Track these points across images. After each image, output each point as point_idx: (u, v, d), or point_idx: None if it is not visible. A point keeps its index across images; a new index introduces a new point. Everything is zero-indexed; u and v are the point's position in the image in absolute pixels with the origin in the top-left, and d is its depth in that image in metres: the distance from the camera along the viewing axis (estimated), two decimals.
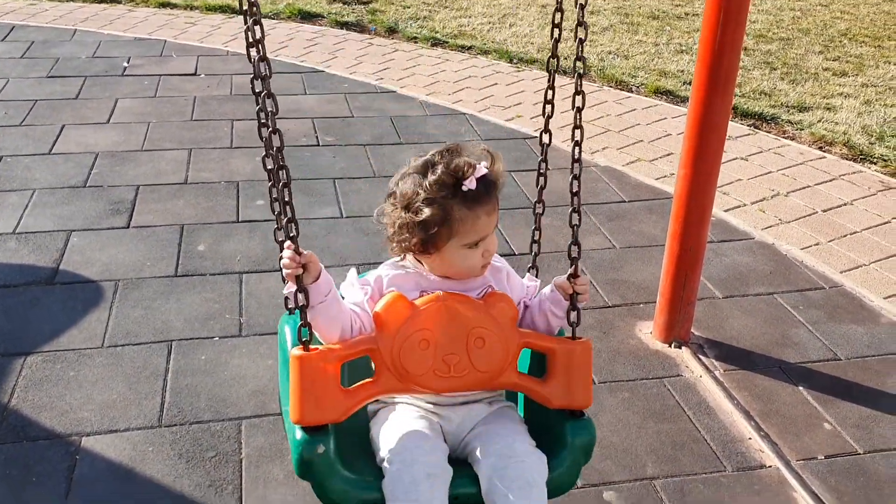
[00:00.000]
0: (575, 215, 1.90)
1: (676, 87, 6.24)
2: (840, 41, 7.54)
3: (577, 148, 1.96)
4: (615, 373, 3.23)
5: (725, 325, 3.54)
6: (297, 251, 1.69)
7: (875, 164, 5.13)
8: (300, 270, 1.69)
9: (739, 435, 2.96)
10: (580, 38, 1.96)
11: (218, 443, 2.83)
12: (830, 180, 4.87)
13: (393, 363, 1.72)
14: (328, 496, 1.74)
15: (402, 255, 1.95)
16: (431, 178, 1.82)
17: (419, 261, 1.91)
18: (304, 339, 1.69)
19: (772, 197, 4.67)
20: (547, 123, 2.09)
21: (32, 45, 6.79)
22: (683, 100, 6.05)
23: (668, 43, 7.28)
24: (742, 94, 6.09)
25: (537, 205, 2.14)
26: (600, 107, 5.89)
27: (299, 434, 1.69)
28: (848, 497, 2.70)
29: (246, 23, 1.74)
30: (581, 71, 1.98)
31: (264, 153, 1.84)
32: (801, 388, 3.20)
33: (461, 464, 1.80)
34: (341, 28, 7.57)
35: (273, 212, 1.91)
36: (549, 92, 2.11)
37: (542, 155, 2.13)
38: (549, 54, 2.10)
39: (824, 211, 4.52)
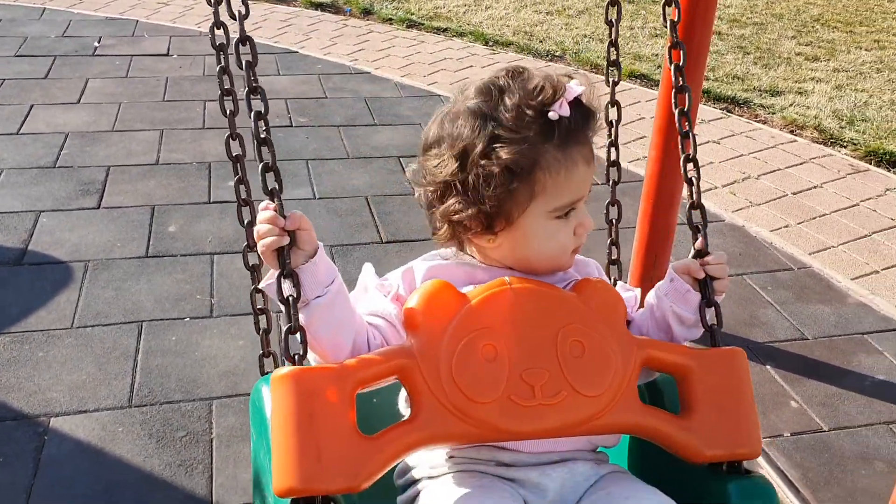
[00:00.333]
0: (692, 167, 1.40)
1: (650, 70, 6.26)
2: (813, 26, 7.59)
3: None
4: None
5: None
6: (279, 212, 1.14)
7: (845, 147, 5.18)
8: (285, 241, 1.13)
9: None
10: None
11: (188, 423, 2.82)
12: (801, 164, 4.92)
13: (442, 388, 1.08)
14: None
15: (452, 239, 1.32)
16: (507, 102, 1.23)
17: (470, 251, 1.31)
18: (293, 354, 1.12)
19: (743, 180, 4.71)
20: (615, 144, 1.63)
21: (0, 23, 6.68)
22: (657, 83, 6.07)
23: (643, 27, 7.30)
24: (715, 79, 6.13)
25: (610, 207, 1.58)
26: None
27: None
28: (813, 473, 2.74)
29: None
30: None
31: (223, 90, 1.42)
32: (768, 367, 3.25)
33: None
34: (316, 9, 7.51)
35: (235, 175, 1.43)
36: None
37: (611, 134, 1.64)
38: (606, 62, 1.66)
39: (794, 194, 4.57)
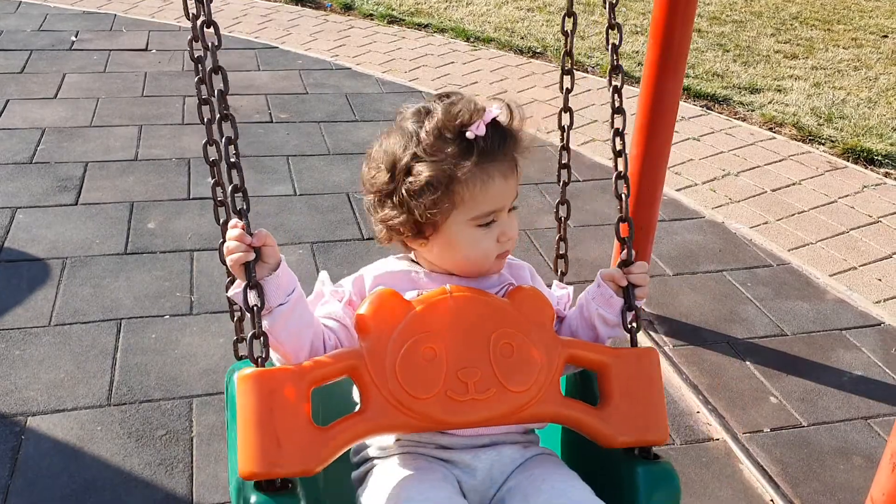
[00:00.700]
0: (562, 207, 1.60)
1: (631, 67, 6.27)
2: (791, 24, 7.65)
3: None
4: None
5: (675, 302, 3.59)
6: (247, 230, 1.25)
7: (823, 144, 5.23)
8: (251, 256, 1.24)
9: (688, 408, 3.02)
10: (614, 44, 1.53)
11: (168, 421, 2.80)
12: (780, 161, 4.95)
13: (387, 385, 1.21)
14: None
15: (390, 242, 1.48)
16: (427, 125, 1.38)
17: (412, 258, 1.48)
18: (257, 357, 1.20)
19: (722, 177, 4.74)
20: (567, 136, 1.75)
21: None
22: (638, 80, 6.07)
23: (623, 24, 7.31)
24: (695, 76, 6.16)
25: (560, 206, 1.74)
26: (556, 87, 5.89)
27: (254, 499, 1.17)
28: (792, 468, 2.77)
29: None
30: (619, 84, 1.56)
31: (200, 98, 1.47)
32: (748, 362, 3.27)
33: None
34: (296, 4, 7.47)
35: (212, 178, 1.52)
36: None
37: (562, 141, 1.79)
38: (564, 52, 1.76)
39: (773, 190, 4.60)
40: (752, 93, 5.96)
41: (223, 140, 1.37)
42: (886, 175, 4.86)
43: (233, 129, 1.37)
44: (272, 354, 1.27)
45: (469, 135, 1.36)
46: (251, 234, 1.26)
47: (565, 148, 1.64)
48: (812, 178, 4.76)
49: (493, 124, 1.40)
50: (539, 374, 1.27)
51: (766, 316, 3.54)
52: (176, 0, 7.36)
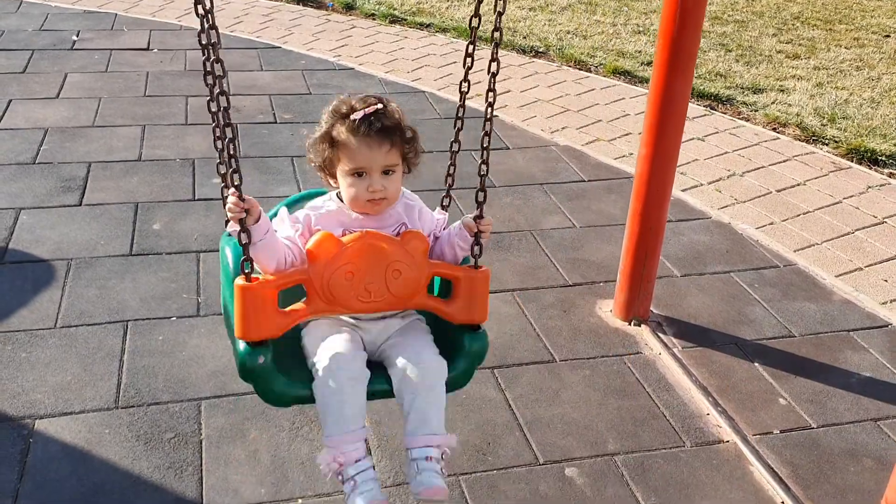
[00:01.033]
0: (483, 166, 2.07)
1: (634, 67, 6.27)
2: (793, 24, 7.65)
3: (489, 108, 2.14)
4: (576, 351, 3.25)
5: (683, 303, 3.59)
6: (240, 197, 1.82)
7: (827, 145, 5.22)
8: (243, 214, 1.81)
9: (698, 410, 3.01)
10: (499, 11, 2.13)
11: (177, 424, 2.78)
12: (784, 161, 4.95)
13: (322, 291, 1.92)
14: (268, 397, 2.00)
15: (325, 181, 2.13)
16: (334, 110, 2.04)
17: (339, 195, 2.09)
18: (246, 272, 1.86)
19: (728, 177, 4.73)
20: (466, 75, 2.25)
21: None
22: (641, 80, 6.09)
23: (625, 23, 7.31)
24: (698, 76, 6.15)
25: (454, 144, 2.23)
26: (559, 86, 5.89)
27: (242, 346, 1.89)
28: (802, 470, 2.76)
29: None
30: (498, 41, 2.14)
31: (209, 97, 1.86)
32: (756, 364, 3.26)
33: (377, 366, 2.05)
34: (298, 3, 7.45)
35: (217, 154, 1.93)
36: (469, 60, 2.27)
37: (460, 101, 2.25)
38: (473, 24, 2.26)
39: (778, 191, 4.59)
40: (755, 93, 5.95)
41: (225, 141, 1.84)
42: (891, 175, 4.86)
43: (234, 133, 1.85)
44: (256, 266, 1.90)
45: (353, 117, 1.97)
46: (243, 200, 1.82)
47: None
48: (816, 178, 4.76)
49: (375, 114, 1.98)
50: (414, 285, 1.99)
51: (773, 317, 3.54)
52: (176, 0, 7.35)
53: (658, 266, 3.42)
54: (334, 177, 2.03)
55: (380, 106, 2.00)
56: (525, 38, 6.84)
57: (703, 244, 4.05)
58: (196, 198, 4.14)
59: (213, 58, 1.78)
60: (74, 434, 2.71)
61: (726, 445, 2.86)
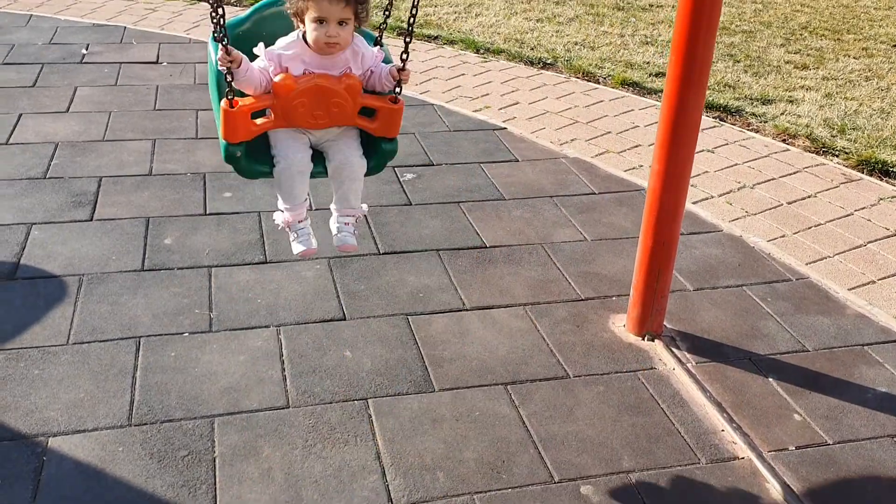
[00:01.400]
0: (407, 39, 2.59)
1: (643, 78, 6.27)
2: (801, 34, 7.64)
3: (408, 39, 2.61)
4: (590, 366, 3.24)
5: (697, 318, 3.57)
6: (227, 52, 2.40)
7: (837, 156, 5.21)
8: (230, 64, 2.43)
9: (712, 427, 2.99)
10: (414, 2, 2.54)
11: (190, 441, 2.78)
12: (794, 173, 4.94)
13: (283, 115, 2.59)
14: (243, 174, 2.73)
15: (296, 24, 2.62)
16: None
17: (304, 37, 2.59)
18: (230, 99, 2.48)
19: (738, 189, 4.72)
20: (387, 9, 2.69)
21: None
22: (650, 91, 6.08)
23: (633, 34, 7.32)
24: (707, 87, 6.13)
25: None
26: (568, 98, 5.89)
27: (223, 145, 2.60)
28: (819, 488, 2.74)
29: None
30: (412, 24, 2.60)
31: None
32: (770, 379, 3.25)
33: (318, 155, 2.78)
34: None
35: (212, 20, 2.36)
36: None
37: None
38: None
39: (789, 203, 4.58)
40: (764, 104, 5.94)
41: None
42: None
43: None
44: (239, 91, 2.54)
45: None
46: (229, 54, 2.41)
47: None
48: (827, 190, 4.75)
49: None
50: (349, 113, 2.62)
51: (786, 331, 3.52)
52: (185, 12, 7.37)
53: (671, 280, 3.41)
54: (303, 22, 2.56)
55: None
56: (533, 49, 6.85)
57: (716, 257, 4.04)
58: (207, 212, 4.14)
59: None
60: (88, 452, 2.70)
61: (741, 462, 2.84)
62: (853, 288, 3.85)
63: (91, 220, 4.02)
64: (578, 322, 3.50)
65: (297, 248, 2.92)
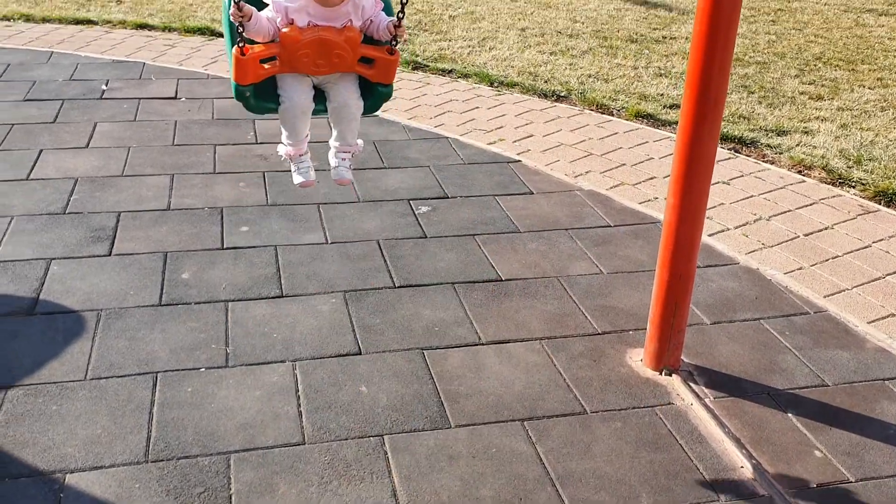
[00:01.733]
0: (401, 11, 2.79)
1: (657, 110, 6.29)
2: (815, 65, 7.65)
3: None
4: (607, 402, 3.22)
5: (714, 352, 3.55)
6: (239, 7, 2.63)
7: (854, 187, 5.19)
8: (241, 18, 2.66)
9: (731, 463, 2.96)
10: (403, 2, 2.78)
11: (206, 478, 2.77)
12: (811, 204, 4.92)
13: (287, 62, 2.82)
14: (251, 110, 2.96)
15: None
16: None
17: None
18: (241, 46, 2.73)
19: (754, 221, 4.71)
20: None
21: (8, 67, 6.71)
22: (664, 123, 6.10)
23: (647, 66, 7.35)
24: (722, 119, 6.14)
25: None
26: (582, 130, 5.92)
27: (234, 86, 2.84)
28: None
29: None
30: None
31: None
32: (790, 414, 3.21)
33: (320, 93, 3.03)
34: None
35: None
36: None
37: None
38: None
39: (806, 235, 4.56)
40: (779, 135, 5.94)
41: None
42: None
43: None
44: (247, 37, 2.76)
45: None
46: (241, 9, 2.64)
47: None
48: (844, 221, 4.72)
49: None
50: (349, 61, 2.85)
51: (805, 366, 3.49)
52: (203, 48, 7.48)
53: (688, 314, 3.39)
54: None
55: None
56: (546, 82, 6.89)
57: (733, 290, 4.02)
58: (224, 246, 4.17)
59: None
60: (105, 489, 2.71)
61: (762, 500, 2.80)
62: (873, 321, 3.81)
63: (110, 254, 4.05)
64: (595, 357, 3.49)
65: (297, 179, 3.27)
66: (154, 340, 3.44)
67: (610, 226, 4.59)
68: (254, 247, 4.18)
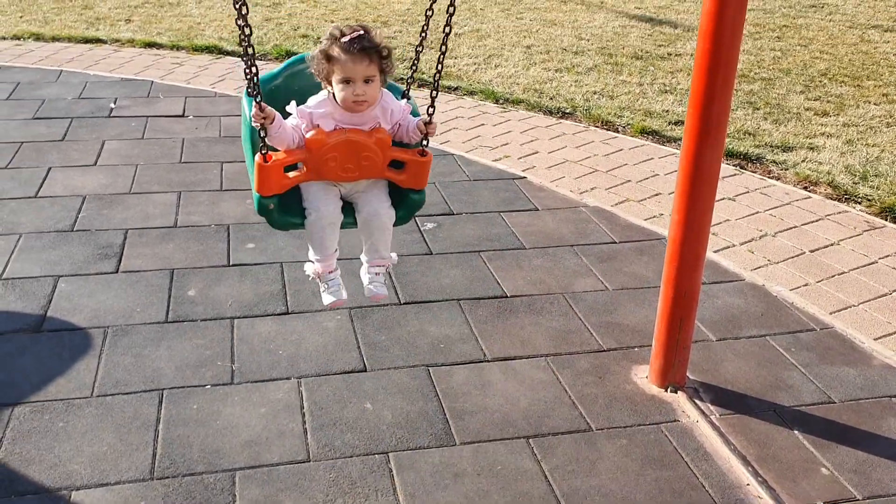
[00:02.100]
0: (433, 94, 2.67)
1: (662, 126, 6.30)
2: (820, 81, 7.67)
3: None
4: (613, 419, 3.21)
5: (720, 369, 3.54)
6: (260, 108, 2.50)
7: (860, 203, 5.19)
8: (263, 121, 2.53)
9: (737, 481, 2.95)
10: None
11: (212, 495, 2.78)
12: (817, 220, 4.92)
13: (314, 168, 2.68)
14: (275, 226, 2.82)
15: (324, 86, 2.74)
16: (331, 34, 2.65)
17: (334, 96, 2.70)
18: (263, 154, 2.60)
19: (760, 237, 4.70)
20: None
21: (18, 86, 6.78)
22: (669, 140, 6.11)
23: (651, 83, 7.38)
24: (727, 135, 6.15)
25: (419, 46, 2.77)
26: (587, 147, 5.93)
27: (257, 197, 2.70)
28: None
29: None
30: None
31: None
32: (796, 431, 3.20)
33: (348, 206, 2.86)
34: None
35: (245, 76, 2.46)
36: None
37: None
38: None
39: (812, 251, 4.56)
40: (784, 151, 5.95)
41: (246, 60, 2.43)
42: None
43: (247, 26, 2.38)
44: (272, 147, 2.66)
45: (343, 40, 2.59)
46: (263, 111, 2.50)
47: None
48: (850, 237, 4.72)
49: (359, 38, 2.59)
50: (378, 166, 2.72)
51: (812, 383, 3.48)
52: (210, 66, 7.54)
53: (693, 331, 3.38)
54: (330, 83, 2.66)
55: (363, 32, 2.63)
56: (552, 99, 6.92)
57: (738, 307, 4.01)
58: (230, 263, 4.19)
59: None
60: None
61: None
62: (879, 338, 3.80)
63: (117, 272, 4.07)
64: (600, 373, 3.48)
65: (327, 299, 2.98)
66: (160, 357, 3.45)
67: (615, 242, 4.60)
68: (260, 264, 4.20)
